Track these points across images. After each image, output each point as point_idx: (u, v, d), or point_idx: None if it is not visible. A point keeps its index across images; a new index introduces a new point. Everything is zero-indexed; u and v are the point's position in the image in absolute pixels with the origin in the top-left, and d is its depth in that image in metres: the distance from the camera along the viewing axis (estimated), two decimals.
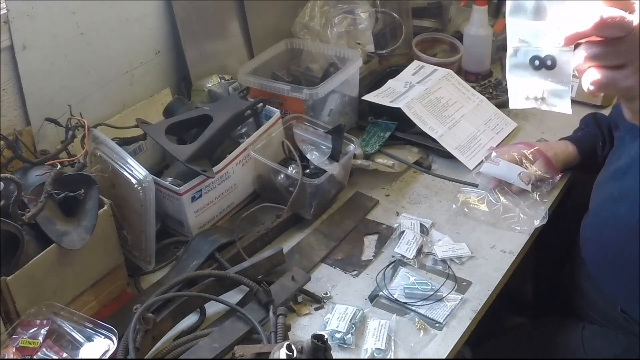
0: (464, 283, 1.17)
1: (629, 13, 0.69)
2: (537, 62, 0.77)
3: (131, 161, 1.17)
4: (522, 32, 0.77)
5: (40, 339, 0.97)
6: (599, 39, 0.71)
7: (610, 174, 1.21)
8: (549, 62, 0.76)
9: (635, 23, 0.69)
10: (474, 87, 1.68)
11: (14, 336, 0.96)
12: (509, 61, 0.79)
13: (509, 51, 0.78)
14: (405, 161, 1.48)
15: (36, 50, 1.21)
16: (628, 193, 1.12)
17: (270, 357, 0.88)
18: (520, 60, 0.78)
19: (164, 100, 1.43)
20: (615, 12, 0.68)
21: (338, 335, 1.05)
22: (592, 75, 0.73)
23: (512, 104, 0.81)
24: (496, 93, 1.71)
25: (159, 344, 1.05)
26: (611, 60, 0.72)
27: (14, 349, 0.95)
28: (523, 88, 0.80)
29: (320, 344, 0.86)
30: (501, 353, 1.37)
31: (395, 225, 1.30)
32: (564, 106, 0.80)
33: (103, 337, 0.98)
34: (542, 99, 0.80)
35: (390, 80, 1.64)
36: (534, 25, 0.75)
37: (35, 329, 0.98)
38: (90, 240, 1.05)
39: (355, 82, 1.57)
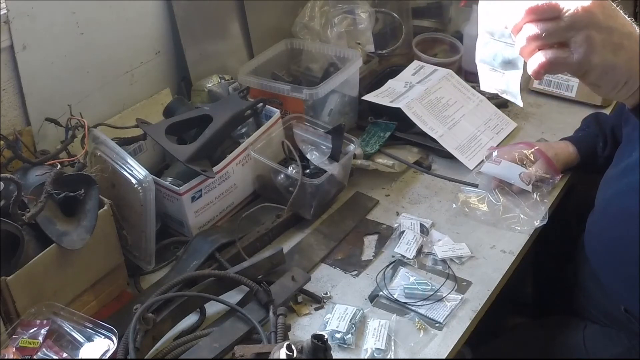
0: (464, 283, 1.17)
1: None
2: (497, 57, 0.87)
3: (131, 161, 1.17)
4: (488, 26, 0.87)
5: (40, 339, 0.97)
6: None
7: (620, 170, 1.21)
8: (507, 59, 0.87)
9: (564, 6, 0.76)
10: (474, 87, 1.68)
11: (14, 336, 0.96)
12: (478, 51, 0.90)
13: (479, 42, 0.89)
14: (405, 161, 1.48)
15: (36, 50, 1.21)
16: (637, 187, 1.12)
17: (270, 357, 0.88)
18: (486, 52, 0.89)
19: (164, 100, 1.43)
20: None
21: (338, 335, 1.05)
22: (539, 57, 0.78)
23: (482, 87, 0.94)
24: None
25: (159, 344, 1.05)
26: (552, 37, 0.77)
27: (14, 349, 0.95)
28: (489, 77, 0.91)
29: (320, 344, 0.86)
30: (501, 353, 1.37)
31: (395, 225, 1.30)
32: (517, 99, 0.91)
33: (103, 337, 0.98)
34: (503, 90, 0.91)
35: (390, 80, 1.64)
36: (497, 21, 0.85)
37: (35, 329, 0.98)
38: (90, 240, 1.05)
39: (355, 82, 1.57)
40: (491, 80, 0.91)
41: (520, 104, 0.92)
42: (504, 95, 0.92)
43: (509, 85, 0.90)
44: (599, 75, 0.80)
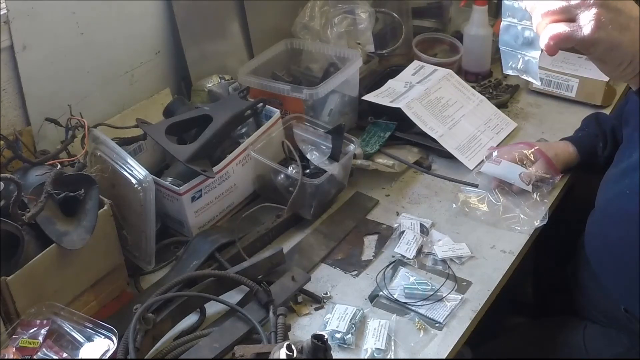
0: (464, 283, 1.17)
1: None
2: (518, 39, 0.94)
3: (131, 161, 1.17)
4: (510, 10, 0.94)
5: (40, 339, 0.97)
6: None
7: (620, 171, 1.21)
8: (526, 40, 0.94)
9: None
10: (474, 87, 1.68)
11: (14, 336, 0.96)
12: (501, 34, 0.96)
13: (502, 25, 0.95)
14: (405, 161, 1.48)
15: (36, 50, 1.21)
16: (637, 189, 1.12)
17: (270, 357, 0.88)
18: (508, 35, 0.96)
19: (164, 100, 1.43)
20: None
21: (338, 335, 1.05)
22: (551, 30, 0.84)
23: (504, 70, 0.99)
24: (496, 93, 1.71)
25: (159, 344, 1.05)
26: (563, 13, 0.84)
27: (14, 349, 0.95)
28: (510, 59, 0.97)
29: (320, 344, 0.86)
30: (501, 353, 1.37)
31: (395, 225, 1.30)
32: (536, 78, 0.96)
33: (103, 337, 0.98)
34: (521, 70, 0.97)
35: (390, 80, 1.64)
36: (517, 5, 0.92)
37: (35, 329, 0.98)
38: (90, 240, 1.05)
39: (355, 82, 1.57)
40: (512, 62, 0.97)
41: (538, 83, 0.99)
42: (524, 76, 0.97)
43: (527, 66, 0.95)
44: (604, 51, 0.85)
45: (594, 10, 0.83)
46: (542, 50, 0.89)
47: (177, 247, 1.28)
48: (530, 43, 0.93)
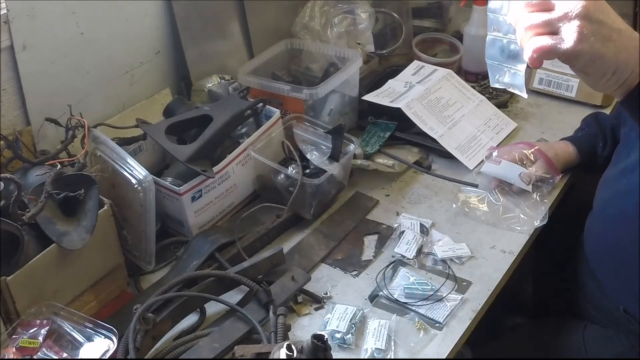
0: (464, 283, 1.17)
1: None
2: (504, 52, 0.95)
3: (131, 161, 1.17)
4: (495, 24, 0.94)
5: (40, 339, 0.97)
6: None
7: (619, 171, 1.21)
8: (512, 53, 0.94)
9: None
10: (474, 87, 1.68)
11: (14, 336, 0.96)
12: (487, 49, 0.96)
13: (487, 40, 0.96)
14: (405, 161, 1.48)
15: (36, 50, 1.21)
16: (636, 189, 1.13)
17: (270, 357, 0.88)
18: (494, 49, 0.96)
19: (164, 100, 1.43)
20: None
21: (338, 335, 1.05)
22: (534, 43, 0.84)
23: (491, 84, 0.99)
24: (496, 93, 1.71)
25: (159, 344, 1.05)
26: (546, 26, 0.84)
27: (14, 349, 0.95)
28: (496, 73, 0.97)
29: (320, 344, 0.86)
30: (501, 353, 1.37)
31: (395, 225, 1.30)
32: (522, 91, 0.95)
33: (103, 337, 0.98)
34: (507, 83, 0.96)
35: (390, 80, 1.64)
36: (502, 19, 0.93)
37: (35, 329, 0.98)
38: (90, 240, 1.05)
39: (355, 82, 1.57)
40: (498, 75, 0.97)
41: (525, 95, 0.97)
42: (511, 89, 0.97)
43: (514, 79, 0.95)
44: (586, 63, 0.85)
45: (576, 23, 0.82)
46: (527, 64, 0.89)
47: (177, 247, 1.28)
48: (515, 56, 0.93)
